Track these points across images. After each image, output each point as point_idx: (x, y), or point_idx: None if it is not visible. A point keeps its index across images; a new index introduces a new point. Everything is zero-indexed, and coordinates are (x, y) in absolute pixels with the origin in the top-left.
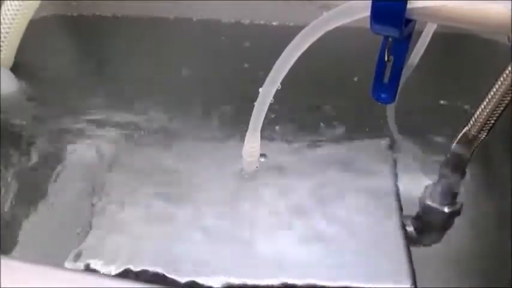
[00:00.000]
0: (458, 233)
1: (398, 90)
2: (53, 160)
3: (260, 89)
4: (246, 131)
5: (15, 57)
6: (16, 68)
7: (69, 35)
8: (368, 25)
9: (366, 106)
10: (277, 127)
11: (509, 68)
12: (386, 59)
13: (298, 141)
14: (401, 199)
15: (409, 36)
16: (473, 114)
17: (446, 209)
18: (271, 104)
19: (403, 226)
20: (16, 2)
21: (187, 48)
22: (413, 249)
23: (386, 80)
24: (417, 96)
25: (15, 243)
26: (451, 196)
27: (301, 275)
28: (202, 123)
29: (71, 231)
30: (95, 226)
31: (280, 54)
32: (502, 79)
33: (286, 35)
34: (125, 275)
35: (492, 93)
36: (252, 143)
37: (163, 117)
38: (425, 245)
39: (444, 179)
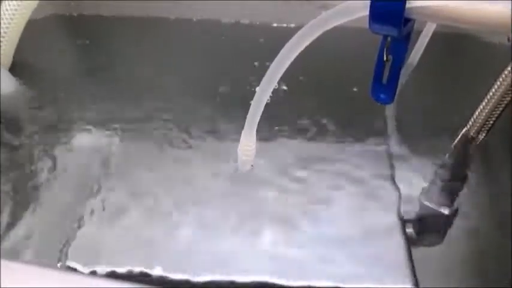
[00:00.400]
0: (458, 233)
1: (398, 91)
2: (51, 160)
3: (257, 88)
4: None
5: (14, 57)
6: (15, 68)
7: (68, 35)
8: (366, 25)
9: (365, 106)
10: (274, 127)
11: (509, 68)
12: (385, 58)
13: (295, 142)
14: (401, 200)
15: (408, 35)
16: (472, 114)
17: (444, 210)
18: (267, 104)
19: (403, 227)
20: (14, 2)
21: (188, 49)
22: (413, 249)
23: (385, 80)
24: (417, 97)
25: (12, 243)
26: (450, 197)
27: (299, 275)
28: (200, 122)
29: (68, 232)
30: (91, 226)
31: None
32: (501, 79)
33: (285, 35)
34: (122, 275)
35: (491, 93)
36: (248, 141)
37: (163, 117)
38: (425, 246)
39: (443, 179)
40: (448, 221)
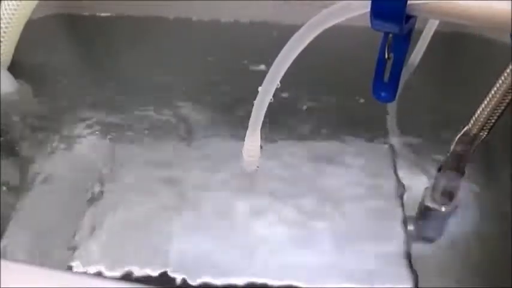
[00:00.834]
0: (458, 233)
1: (399, 90)
2: (51, 160)
3: (259, 88)
4: (246, 130)
5: (14, 57)
6: (15, 68)
7: (67, 35)
8: (367, 24)
9: (366, 106)
10: (276, 127)
11: (510, 67)
12: (386, 56)
13: (298, 142)
14: (402, 200)
15: (410, 33)
16: (473, 113)
17: (445, 209)
18: (270, 104)
19: (404, 227)
20: (14, 1)
21: (187, 48)
22: (413, 249)
23: (386, 78)
24: (418, 96)
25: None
26: (450, 196)
27: (300, 276)
28: (201, 122)
29: (68, 233)
30: (92, 227)
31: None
32: (503, 78)
33: (285, 34)
34: (125, 276)
35: (493, 92)
36: (252, 142)
37: (163, 116)
38: (426, 246)
39: (444, 178)
40: (448, 220)
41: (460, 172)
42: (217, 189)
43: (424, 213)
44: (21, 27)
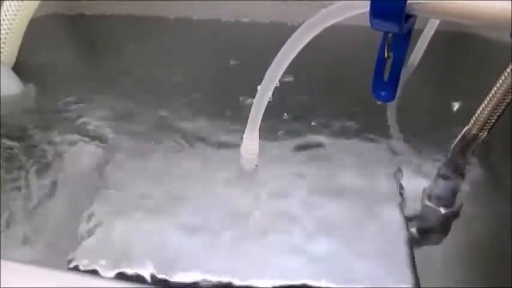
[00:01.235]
0: (458, 233)
1: (399, 89)
2: (51, 160)
3: (258, 87)
4: (245, 128)
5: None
6: (17, 67)
7: (68, 34)
8: (366, 23)
9: (366, 106)
10: (276, 125)
11: (510, 67)
12: (386, 55)
13: (297, 141)
14: (403, 200)
15: (409, 32)
16: (474, 113)
17: (445, 210)
18: (269, 103)
19: (405, 227)
20: (16, 2)
21: (187, 47)
22: (415, 250)
23: (386, 77)
24: (418, 96)
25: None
26: (451, 196)
27: (300, 276)
28: (201, 121)
29: (68, 232)
30: (92, 227)
31: None
32: (503, 78)
33: (285, 34)
34: (124, 276)
35: (493, 92)
36: (251, 140)
37: (163, 116)
38: (426, 246)
39: (444, 178)
40: (448, 220)
41: (460, 172)
42: (216, 188)
43: (423, 213)
44: (24, 27)
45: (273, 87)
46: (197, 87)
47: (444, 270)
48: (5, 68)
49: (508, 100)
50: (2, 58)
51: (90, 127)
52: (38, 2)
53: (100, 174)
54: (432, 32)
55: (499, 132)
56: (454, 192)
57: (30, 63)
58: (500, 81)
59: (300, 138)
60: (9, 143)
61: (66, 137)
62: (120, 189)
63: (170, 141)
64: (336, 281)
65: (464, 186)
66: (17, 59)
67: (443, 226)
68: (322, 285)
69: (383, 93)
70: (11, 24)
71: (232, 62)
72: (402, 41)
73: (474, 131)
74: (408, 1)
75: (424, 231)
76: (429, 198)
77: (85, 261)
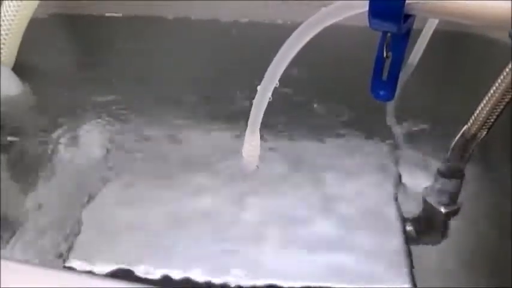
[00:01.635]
0: (458, 233)
1: (398, 89)
2: (51, 160)
3: (258, 87)
4: (245, 129)
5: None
6: (17, 67)
7: (67, 34)
8: (365, 23)
9: (365, 105)
10: (277, 126)
11: (510, 66)
12: (385, 55)
13: (298, 141)
14: (402, 199)
15: (408, 32)
16: (473, 112)
17: (445, 209)
18: (269, 103)
19: (403, 226)
20: (16, 2)
21: (186, 48)
22: (413, 249)
23: (385, 77)
24: (417, 96)
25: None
26: (450, 196)
27: (299, 276)
28: (201, 122)
29: (63, 231)
30: (87, 225)
31: None
32: (502, 77)
33: (284, 33)
34: (125, 275)
35: (492, 91)
36: (251, 141)
37: (162, 116)
38: (425, 245)
39: (443, 178)
40: (447, 219)
41: (460, 171)
42: (217, 189)
43: (423, 212)
44: (24, 27)
45: (272, 87)
46: (197, 87)
47: (443, 270)
48: (5, 68)
49: (507, 99)
50: (2, 58)
51: (90, 127)
52: (37, 2)
53: (99, 174)
54: (431, 31)
55: (499, 131)
56: (454, 192)
57: (30, 63)
58: (500, 80)
59: (299, 137)
60: (9, 142)
61: (66, 137)
62: (119, 189)
63: (170, 141)
64: (336, 280)
65: (464, 186)
66: (16, 59)
67: (443, 225)
68: (320, 284)
69: (382, 93)
70: (10, 24)
71: (231, 62)
72: (401, 41)
73: (473, 130)
74: (407, 1)
75: (423, 231)
76: (428, 197)
77: None
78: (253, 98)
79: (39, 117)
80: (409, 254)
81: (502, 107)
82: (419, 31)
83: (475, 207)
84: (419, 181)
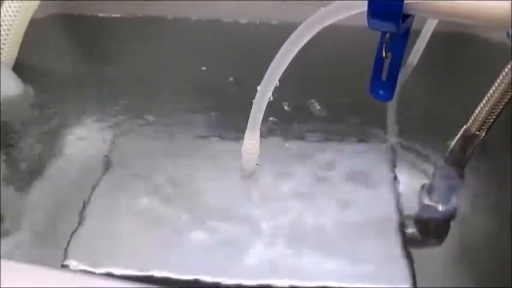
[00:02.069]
0: (457, 233)
1: (397, 89)
2: (50, 159)
3: (258, 87)
4: (245, 129)
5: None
6: (17, 67)
7: (68, 35)
8: (364, 23)
9: (364, 105)
10: (277, 126)
11: (509, 66)
12: (384, 55)
13: (297, 142)
14: (401, 199)
15: (407, 32)
16: (472, 112)
17: (444, 209)
18: (269, 103)
19: (403, 226)
20: (16, 2)
21: (186, 48)
22: (412, 250)
23: (384, 77)
24: (416, 95)
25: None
26: (449, 195)
27: (299, 276)
28: (201, 122)
29: (63, 231)
30: (87, 225)
31: None
32: (501, 77)
33: (284, 33)
34: (122, 275)
35: (491, 91)
36: (251, 140)
37: (162, 116)
38: (424, 246)
39: (443, 177)
40: (447, 219)
41: (459, 171)
42: (217, 188)
43: (422, 212)
44: (24, 28)
45: (272, 87)
46: (196, 87)
47: (443, 270)
48: (5, 68)
49: (506, 99)
50: (2, 58)
51: (89, 127)
52: (38, 2)
53: (99, 174)
54: (430, 31)
55: (498, 131)
56: (453, 191)
57: (30, 63)
58: (499, 80)
59: (297, 137)
60: (9, 142)
61: (66, 136)
62: (119, 189)
63: (169, 140)
64: (334, 280)
65: (463, 185)
66: (17, 59)
67: (442, 225)
68: (320, 284)
69: (381, 93)
70: (10, 24)
71: (231, 62)
72: (400, 41)
73: (473, 130)
74: (405, 1)
75: (422, 230)
76: (428, 197)
77: None
78: (253, 98)
79: (39, 117)
80: (409, 255)
81: (501, 107)
82: (419, 31)
83: (475, 207)
84: (419, 180)
